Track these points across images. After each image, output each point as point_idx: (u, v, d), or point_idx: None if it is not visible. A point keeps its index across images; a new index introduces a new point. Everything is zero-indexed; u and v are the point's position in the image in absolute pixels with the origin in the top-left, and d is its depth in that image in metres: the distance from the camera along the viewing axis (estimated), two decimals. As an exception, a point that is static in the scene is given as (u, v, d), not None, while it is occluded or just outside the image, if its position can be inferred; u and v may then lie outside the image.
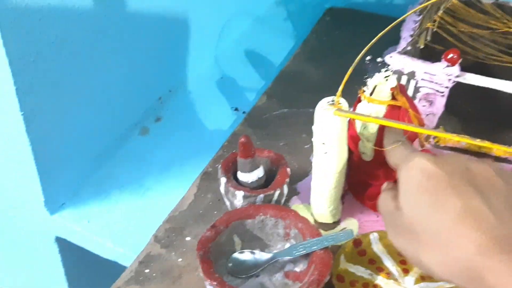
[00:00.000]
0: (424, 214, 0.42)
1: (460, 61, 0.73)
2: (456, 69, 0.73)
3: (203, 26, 0.97)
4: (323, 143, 0.59)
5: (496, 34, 0.71)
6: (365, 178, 0.67)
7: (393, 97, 0.64)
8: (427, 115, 0.79)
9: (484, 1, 0.72)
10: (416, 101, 0.78)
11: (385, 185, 0.55)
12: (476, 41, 0.75)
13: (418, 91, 0.77)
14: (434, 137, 0.80)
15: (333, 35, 1.16)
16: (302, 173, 0.75)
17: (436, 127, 0.81)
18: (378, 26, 0.98)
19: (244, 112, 0.90)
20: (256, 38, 1.15)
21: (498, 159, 0.78)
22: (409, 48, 0.78)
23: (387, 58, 0.77)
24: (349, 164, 0.69)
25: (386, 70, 0.62)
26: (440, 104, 0.77)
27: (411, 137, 0.66)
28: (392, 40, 0.84)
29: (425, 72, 0.75)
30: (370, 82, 0.62)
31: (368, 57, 0.63)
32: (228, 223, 0.58)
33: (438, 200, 0.41)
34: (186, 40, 0.95)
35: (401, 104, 0.64)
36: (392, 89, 0.63)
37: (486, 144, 0.51)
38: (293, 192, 0.72)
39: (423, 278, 0.58)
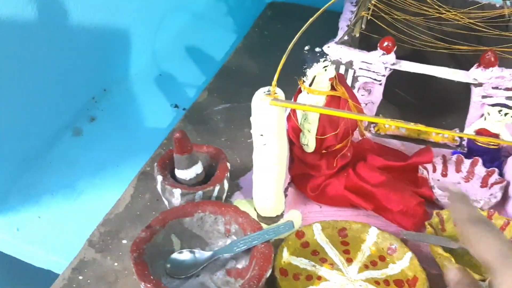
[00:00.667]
0: None
1: (395, 49, 0.73)
2: (391, 57, 0.73)
3: (139, 22, 0.94)
4: (261, 135, 0.57)
5: (431, 21, 0.72)
6: (307, 169, 0.66)
7: (333, 87, 0.63)
8: (367, 104, 0.79)
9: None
10: (355, 91, 0.78)
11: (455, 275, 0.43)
12: (412, 29, 0.76)
13: (357, 80, 0.77)
14: (374, 126, 0.81)
15: (275, 29, 1.15)
16: (244, 168, 0.73)
17: (376, 115, 0.81)
18: (319, 19, 0.98)
19: (184, 109, 0.87)
20: (197, 33, 1.12)
21: (436, 144, 0.79)
22: (346, 38, 0.77)
23: (325, 48, 0.77)
24: (291, 156, 0.68)
25: (324, 60, 0.61)
26: (378, 92, 0.78)
27: (352, 127, 0.65)
28: (335, 32, 0.84)
29: (362, 61, 0.75)
30: (309, 73, 0.61)
31: (307, 47, 0.62)
32: (165, 223, 0.56)
33: None
34: (121, 37, 0.91)
35: (341, 94, 0.63)
36: (331, 79, 0.62)
37: (421, 127, 0.51)
38: (235, 187, 0.70)
39: (366, 266, 0.57)
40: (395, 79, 0.77)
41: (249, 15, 1.23)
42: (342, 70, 0.76)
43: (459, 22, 0.68)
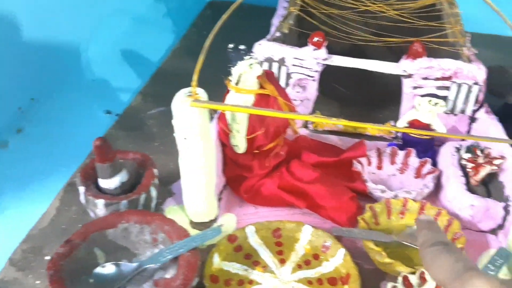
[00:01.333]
0: None
1: (325, 43, 0.73)
2: (322, 52, 0.73)
3: (70, 27, 0.90)
4: (185, 138, 0.55)
5: (367, 16, 0.71)
6: (240, 171, 0.65)
7: (261, 86, 0.62)
8: (302, 100, 0.78)
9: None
10: (289, 88, 0.77)
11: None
12: (347, 24, 0.75)
13: (290, 77, 0.76)
14: (312, 122, 0.80)
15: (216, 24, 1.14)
16: (178, 173, 0.70)
17: (312, 112, 0.80)
18: (259, 17, 0.97)
19: (117, 115, 0.84)
20: (133, 36, 1.09)
21: (373, 137, 0.79)
22: (278, 34, 0.76)
23: (257, 46, 0.75)
24: (224, 158, 0.67)
25: (249, 58, 0.59)
26: (312, 88, 0.77)
27: (283, 125, 0.64)
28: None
29: (294, 58, 0.74)
30: (234, 71, 0.60)
31: (231, 45, 0.60)
32: (86, 236, 0.53)
33: None
34: (50, 44, 0.87)
35: (269, 92, 0.62)
36: (258, 77, 0.60)
37: (344, 122, 0.50)
38: (168, 193, 0.67)
39: (300, 266, 0.56)
40: (333, 74, 0.76)
41: (189, 15, 1.21)
42: (275, 67, 0.75)
43: (390, 15, 0.68)
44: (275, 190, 0.63)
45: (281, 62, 0.74)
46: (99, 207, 0.57)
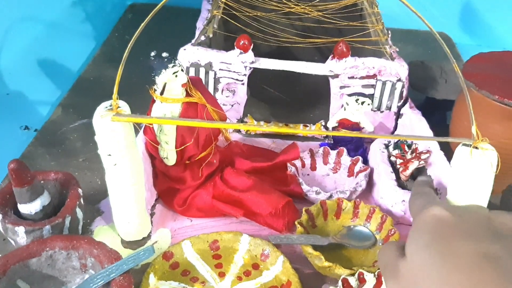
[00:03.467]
0: (434, 261, 0.35)
1: (251, 46, 0.71)
2: (249, 55, 0.72)
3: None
4: (109, 155, 0.52)
5: (292, 18, 0.71)
6: (172, 183, 0.62)
7: (188, 94, 0.60)
8: (232, 105, 0.77)
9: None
10: (218, 93, 0.75)
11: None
12: (272, 27, 0.74)
13: (219, 82, 0.74)
14: (244, 127, 0.79)
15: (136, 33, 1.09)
16: (106, 190, 0.66)
17: (243, 116, 0.79)
18: (184, 19, 0.94)
19: (36, 130, 0.78)
20: (50, 45, 1.02)
21: (305, 138, 0.79)
22: (203, 38, 0.74)
23: (181, 51, 0.73)
24: (154, 171, 0.64)
25: (173, 66, 0.57)
26: (242, 92, 0.76)
27: (214, 133, 0.62)
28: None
29: (221, 62, 0.72)
30: (158, 80, 0.57)
31: (153, 53, 0.57)
32: (6, 269, 0.48)
33: (451, 246, 0.36)
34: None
35: (197, 100, 0.60)
36: (183, 85, 0.58)
37: (272, 129, 0.49)
38: (96, 212, 0.64)
39: (240, 278, 0.55)
40: (262, 75, 0.75)
41: (109, 19, 1.15)
42: (202, 72, 0.73)
43: (314, 16, 0.68)
44: (209, 200, 0.61)
45: (208, 67, 0.73)
46: (20, 235, 0.52)
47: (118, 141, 0.51)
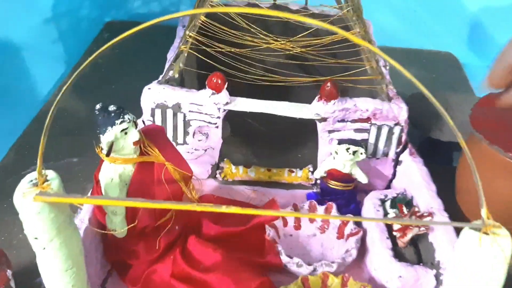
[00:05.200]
0: None
1: (225, 86, 0.62)
2: (223, 96, 0.62)
3: None
4: (36, 238, 0.42)
5: (265, 53, 0.61)
6: (124, 257, 0.52)
7: (142, 151, 0.50)
8: (206, 150, 0.67)
9: (236, 16, 0.60)
10: (189, 137, 0.65)
11: None
12: (247, 64, 0.64)
13: (189, 125, 0.64)
14: (220, 172, 0.69)
15: (111, 55, 1.00)
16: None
17: (220, 159, 0.69)
18: (162, 39, 0.84)
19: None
20: (15, 70, 0.93)
21: (290, 186, 0.69)
22: (170, 75, 0.64)
23: (145, 91, 0.63)
24: (105, 239, 0.54)
25: (121, 121, 0.47)
26: (216, 136, 0.66)
27: (175, 195, 0.53)
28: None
29: (191, 103, 0.63)
30: (103, 139, 0.47)
31: (98, 106, 0.47)
32: None
33: None
34: None
35: (153, 159, 0.50)
36: (135, 143, 0.48)
37: (238, 210, 0.39)
38: None
39: None
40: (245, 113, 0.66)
41: (83, 39, 1.06)
42: (170, 114, 0.63)
43: (296, 53, 0.58)
44: (168, 279, 0.51)
45: (177, 108, 0.63)
46: None
47: (45, 224, 0.41)
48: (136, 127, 0.49)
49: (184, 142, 0.65)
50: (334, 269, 0.54)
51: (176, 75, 0.60)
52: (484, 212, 0.38)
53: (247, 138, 0.78)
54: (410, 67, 1.03)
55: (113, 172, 0.49)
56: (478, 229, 0.38)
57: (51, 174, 0.42)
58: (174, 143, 0.65)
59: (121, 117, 0.47)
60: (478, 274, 0.38)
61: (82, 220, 0.52)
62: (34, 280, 0.54)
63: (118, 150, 0.48)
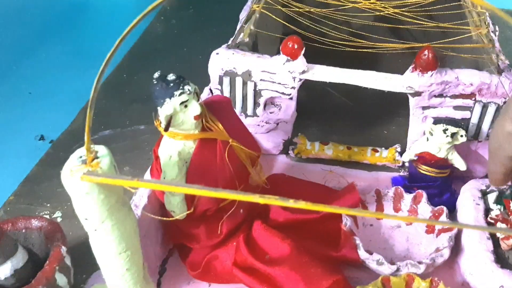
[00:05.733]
0: None
1: (303, 52, 0.54)
2: (299, 63, 0.54)
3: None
4: (86, 219, 0.39)
5: (346, 14, 0.52)
6: (184, 240, 0.48)
7: (204, 126, 0.45)
8: (278, 123, 0.60)
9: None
10: (260, 109, 0.59)
11: None
12: (329, 25, 0.56)
13: (260, 95, 0.58)
14: (294, 148, 0.62)
15: (186, 15, 0.94)
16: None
17: (294, 134, 0.63)
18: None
19: (52, 141, 0.67)
20: (89, 31, 0.91)
21: (373, 167, 0.61)
22: (240, 39, 0.58)
23: (213, 56, 0.57)
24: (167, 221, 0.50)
25: (181, 93, 0.41)
26: (290, 109, 0.59)
27: (240, 175, 0.47)
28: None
29: (262, 71, 0.56)
30: (161, 112, 0.42)
31: (156, 75, 0.42)
32: None
33: None
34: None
35: (216, 136, 0.45)
36: (196, 117, 0.43)
37: (303, 205, 0.32)
38: (94, 265, 0.51)
39: None
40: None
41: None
42: (239, 83, 0.57)
43: (388, 14, 0.49)
44: (229, 266, 0.46)
45: (247, 76, 0.56)
46: (-20, 311, 0.41)
47: (94, 205, 0.37)
48: (198, 100, 0.43)
49: (254, 114, 0.59)
50: (422, 271, 0.46)
51: (247, 39, 0.54)
52: None
53: (326, 111, 0.70)
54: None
55: (172, 149, 0.44)
56: None
57: (102, 150, 0.38)
58: (243, 115, 0.59)
59: (181, 88, 0.41)
60: None
61: (141, 197, 0.48)
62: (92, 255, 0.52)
63: (178, 124, 0.43)
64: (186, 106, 0.42)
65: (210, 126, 0.45)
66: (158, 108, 0.42)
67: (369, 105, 0.70)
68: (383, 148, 0.62)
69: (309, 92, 0.67)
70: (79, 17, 0.92)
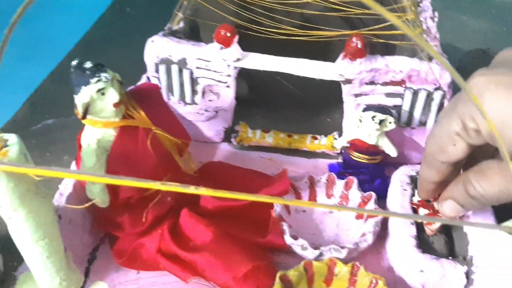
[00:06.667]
0: None
1: (236, 39, 0.54)
2: (232, 51, 0.54)
3: None
4: (0, 207, 0.39)
5: (289, 4, 0.52)
6: (110, 228, 0.48)
7: (126, 114, 0.45)
8: (217, 112, 0.60)
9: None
10: (198, 96, 0.59)
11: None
12: (264, 15, 0.56)
13: (197, 83, 0.58)
14: (235, 136, 0.63)
15: (142, 4, 0.94)
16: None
17: (236, 122, 0.63)
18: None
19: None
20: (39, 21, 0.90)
21: (312, 154, 0.62)
22: (176, 27, 0.58)
23: (148, 44, 0.57)
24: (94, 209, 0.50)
25: (98, 80, 0.41)
26: (227, 97, 0.59)
27: (165, 162, 0.47)
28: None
29: (198, 58, 0.56)
30: (77, 100, 0.42)
31: (74, 62, 0.42)
32: None
33: None
34: None
35: (138, 123, 0.45)
36: (115, 105, 0.43)
37: (237, 195, 0.33)
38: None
39: None
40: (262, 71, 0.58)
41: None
42: (175, 71, 0.57)
43: (318, 2, 0.49)
44: (154, 254, 0.46)
45: (182, 64, 0.56)
46: None
47: (4, 193, 0.37)
48: (119, 87, 0.43)
49: (193, 102, 0.59)
50: (344, 256, 0.47)
51: (176, 26, 0.53)
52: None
53: (273, 99, 0.71)
54: (477, 18, 0.89)
55: (91, 137, 0.44)
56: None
57: (12, 139, 0.38)
58: (182, 103, 0.59)
59: (97, 75, 0.41)
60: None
61: (66, 186, 0.48)
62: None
63: (96, 112, 0.43)
64: (103, 94, 0.42)
65: (131, 113, 0.45)
66: (75, 96, 0.42)
67: (317, 94, 0.70)
68: (323, 135, 0.62)
69: (257, 81, 0.68)
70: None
